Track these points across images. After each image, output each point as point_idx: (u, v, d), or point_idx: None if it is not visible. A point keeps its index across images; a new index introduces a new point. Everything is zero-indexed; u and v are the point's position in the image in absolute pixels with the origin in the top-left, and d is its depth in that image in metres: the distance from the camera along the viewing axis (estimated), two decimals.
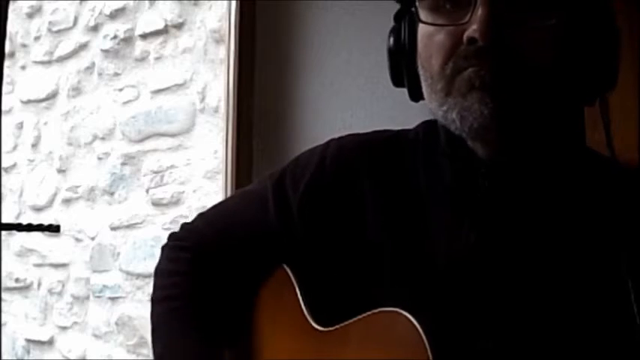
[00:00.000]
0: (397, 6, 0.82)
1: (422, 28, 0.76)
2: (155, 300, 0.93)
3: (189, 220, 0.99)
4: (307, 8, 1.87)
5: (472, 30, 0.69)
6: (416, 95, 0.79)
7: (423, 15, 0.75)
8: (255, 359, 0.89)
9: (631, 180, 0.79)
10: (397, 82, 0.81)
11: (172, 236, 0.97)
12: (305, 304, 0.84)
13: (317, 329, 0.82)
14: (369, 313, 0.76)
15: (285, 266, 0.88)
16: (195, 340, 0.86)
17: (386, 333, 0.74)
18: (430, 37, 0.74)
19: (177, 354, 0.86)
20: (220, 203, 1.01)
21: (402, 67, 0.80)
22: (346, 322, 0.79)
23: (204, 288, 0.90)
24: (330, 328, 0.81)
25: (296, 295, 0.85)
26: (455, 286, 0.76)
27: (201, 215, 0.98)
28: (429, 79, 0.75)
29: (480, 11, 0.69)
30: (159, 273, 0.95)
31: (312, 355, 0.82)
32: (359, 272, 0.83)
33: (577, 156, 0.80)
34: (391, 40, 0.80)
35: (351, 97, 1.77)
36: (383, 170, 0.85)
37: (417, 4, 0.75)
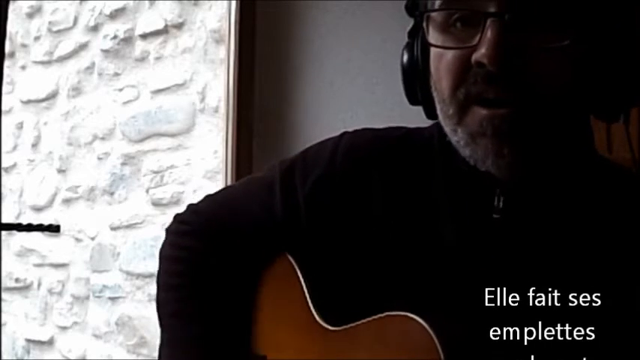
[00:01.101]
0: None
1: (433, 48, 0.74)
2: (160, 285, 0.92)
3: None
4: (307, 8, 1.87)
5: (481, 54, 0.67)
6: (432, 114, 0.77)
7: (433, 34, 0.73)
8: (256, 350, 0.88)
9: None
10: (412, 100, 0.79)
11: (177, 217, 0.97)
12: (312, 301, 0.83)
13: (325, 327, 0.81)
14: (380, 315, 0.75)
15: (290, 257, 0.87)
16: (196, 339, 0.86)
17: (397, 337, 0.73)
18: (440, 58, 0.72)
19: (178, 347, 0.86)
20: (229, 187, 1.01)
21: (417, 86, 0.78)
22: (356, 323, 0.77)
23: (206, 278, 0.89)
24: (339, 328, 0.79)
25: (302, 289, 0.84)
26: (466, 293, 0.75)
27: (208, 197, 0.97)
28: (442, 102, 0.73)
29: (489, 33, 0.66)
30: (163, 257, 0.94)
31: (321, 354, 0.81)
32: (365, 270, 0.82)
33: (589, 166, 0.78)
34: (404, 57, 0.78)
35: (351, 97, 1.77)
36: (394, 169, 0.83)
37: (426, 22, 0.73)
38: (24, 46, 3.04)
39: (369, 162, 0.84)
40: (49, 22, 2.94)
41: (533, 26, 0.67)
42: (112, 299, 2.59)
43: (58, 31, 2.91)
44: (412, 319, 0.70)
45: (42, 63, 2.98)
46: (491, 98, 0.69)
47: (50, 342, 2.84)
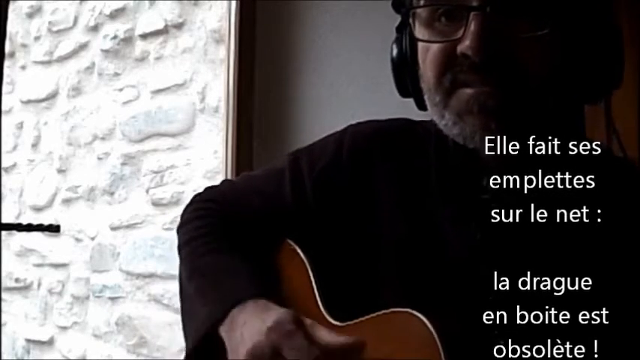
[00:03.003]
0: None
1: (420, 42, 0.77)
2: (182, 244, 0.92)
3: None
4: (307, 8, 1.87)
5: (465, 46, 0.70)
6: (423, 105, 0.80)
7: (419, 29, 0.76)
8: None
9: (634, 175, 0.80)
10: (403, 92, 0.83)
11: (196, 195, 0.98)
12: (319, 295, 0.84)
13: (331, 322, 0.81)
14: (383, 312, 0.76)
15: (299, 250, 0.88)
16: (232, 263, 0.85)
17: (399, 334, 0.74)
18: (427, 51, 0.75)
19: (215, 279, 0.85)
20: (245, 173, 1.03)
21: (406, 79, 0.81)
22: (360, 319, 0.78)
23: (231, 227, 0.91)
24: (344, 324, 0.80)
25: (310, 284, 0.85)
26: (464, 285, 0.76)
27: (225, 180, 1.01)
28: (428, 91, 0.77)
29: (472, 26, 0.70)
30: (184, 223, 0.94)
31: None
32: (369, 262, 0.83)
33: (577, 151, 0.79)
34: (394, 51, 0.82)
35: (351, 97, 1.77)
36: (397, 160, 0.86)
37: (412, 18, 0.76)
38: (24, 46, 3.05)
39: (373, 153, 0.87)
40: (49, 22, 2.94)
41: (513, 17, 0.70)
42: (112, 299, 2.60)
43: (58, 31, 2.91)
44: (414, 315, 0.71)
45: (42, 63, 2.98)
46: (477, 83, 0.72)
47: (50, 342, 2.84)
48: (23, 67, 3.05)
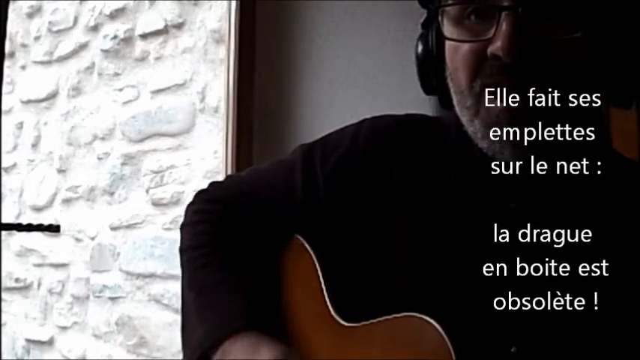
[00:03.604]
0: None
1: (448, 40, 0.75)
2: (183, 249, 0.92)
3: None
4: (307, 8, 1.87)
5: (496, 47, 0.69)
6: (447, 104, 0.78)
7: (447, 27, 0.74)
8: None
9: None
10: (427, 90, 0.81)
11: (200, 193, 0.97)
12: (328, 295, 0.83)
13: (340, 323, 0.81)
14: (395, 315, 0.75)
15: (309, 248, 0.86)
16: (229, 283, 0.85)
17: (412, 340, 0.73)
18: (455, 50, 0.74)
19: (212, 299, 0.84)
20: (252, 167, 1.01)
21: (432, 76, 0.79)
22: (371, 321, 0.77)
23: (231, 238, 0.89)
24: (354, 325, 0.79)
25: (319, 282, 0.84)
26: (479, 291, 0.75)
27: (231, 176, 0.98)
28: (459, 93, 0.75)
29: (503, 27, 0.68)
30: (187, 225, 0.94)
31: (334, 348, 0.81)
32: (381, 260, 0.82)
33: (605, 160, 0.78)
34: (419, 48, 0.80)
35: (351, 97, 1.77)
36: (414, 156, 0.84)
37: (441, 15, 0.75)
38: (24, 46, 3.05)
39: (390, 149, 0.85)
40: (49, 22, 2.94)
41: (546, 19, 0.69)
42: (112, 299, 2.60)
43: (58, 31, 2.91)
44: (427, 321, 0.71)
45: (42, 63, 2.98)
46: (507, 90, 0.70)
47: (50, 342, 2.84)
48: (23, 67, 3.05)
